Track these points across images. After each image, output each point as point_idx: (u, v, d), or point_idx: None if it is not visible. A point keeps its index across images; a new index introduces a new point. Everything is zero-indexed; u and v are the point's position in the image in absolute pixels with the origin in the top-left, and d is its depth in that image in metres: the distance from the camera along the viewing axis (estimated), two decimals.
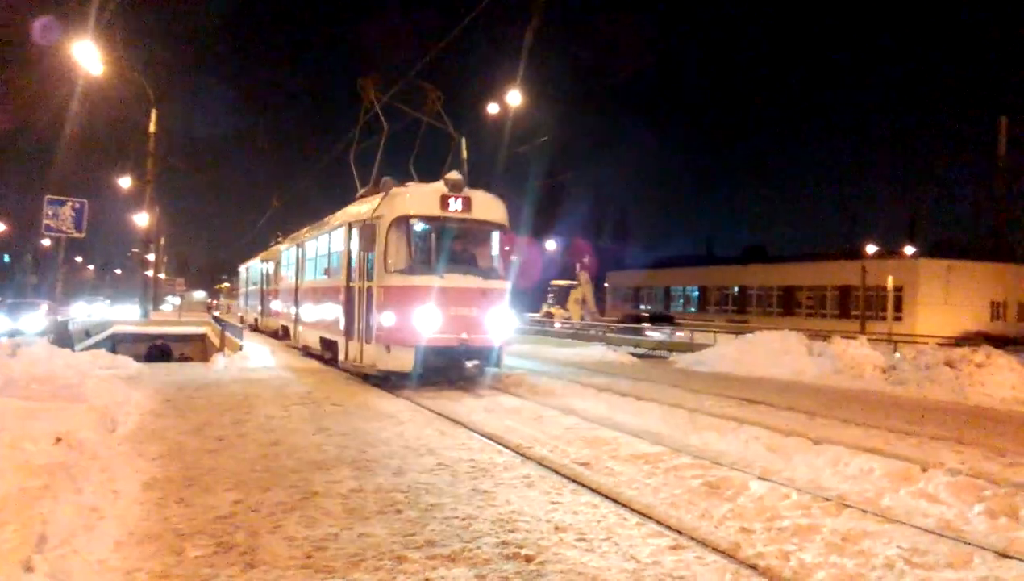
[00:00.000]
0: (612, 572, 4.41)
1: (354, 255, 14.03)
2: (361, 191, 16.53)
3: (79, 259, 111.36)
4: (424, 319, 12.25)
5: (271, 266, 27.12)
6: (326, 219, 18.00)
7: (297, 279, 20.72)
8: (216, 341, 26.49)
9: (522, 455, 7.68)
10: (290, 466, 6.96)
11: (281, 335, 23.87)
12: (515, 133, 32.34)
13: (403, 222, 12.86)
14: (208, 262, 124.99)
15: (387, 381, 13.20)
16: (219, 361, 18.02)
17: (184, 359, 24.84)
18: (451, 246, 13.19)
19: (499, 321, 13.04)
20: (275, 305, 26.15)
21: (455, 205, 12.89)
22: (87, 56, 26.21)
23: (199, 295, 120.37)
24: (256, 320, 31.36)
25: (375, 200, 13.66)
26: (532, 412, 10.64)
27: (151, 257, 47.03)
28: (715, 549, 4.88)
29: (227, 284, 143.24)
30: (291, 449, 7.71)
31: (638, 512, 5.68)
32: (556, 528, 5.21)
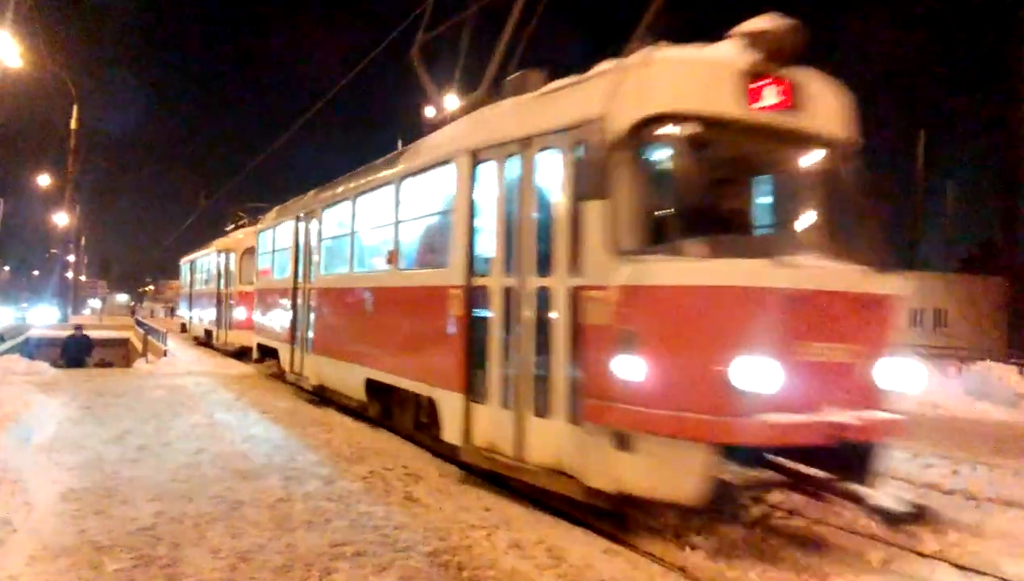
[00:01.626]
0: None
1: (508, 219, 6.51)
2: (473, 96, 8.24)
3: None
4: (742, 370, 4.87)
5: (232, 258, 20.93)
6: (409, 149, 9.19)
7: (301, 275, 12.89)
8: (139, 346, 25.64)
9: None
10: (214, 475, 6.78)
11: (257, 357, 16.18)
12: None
13: (659, 132, 5.44)
14: (131, 264, 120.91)
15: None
16: (142, 367, 17.47)
17: (105, 365, 23.93)
18: (778, 193, 6.74)
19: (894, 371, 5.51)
20: (241, 314, 19.70)
21: (773, 97, 5.54)
22: (4, 47, 25.15)
23: (122, 298, 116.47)
24: (210, 333, 23.34)
25: (577, 88, 6.13)
26: None
27: (71, 258, 45.35)
28: None
29: (151, 287, 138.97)
30: (216, 457, 7.52)
31: None
32: None
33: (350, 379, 10.09)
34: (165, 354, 18.65)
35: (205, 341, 24.11)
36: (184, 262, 31.69)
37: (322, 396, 11.75)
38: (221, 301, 21.87)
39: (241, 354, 19.31)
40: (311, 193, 13.17)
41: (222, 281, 21.88)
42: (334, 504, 5.81)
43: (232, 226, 24.13)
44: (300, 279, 12.86)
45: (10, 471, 6.15)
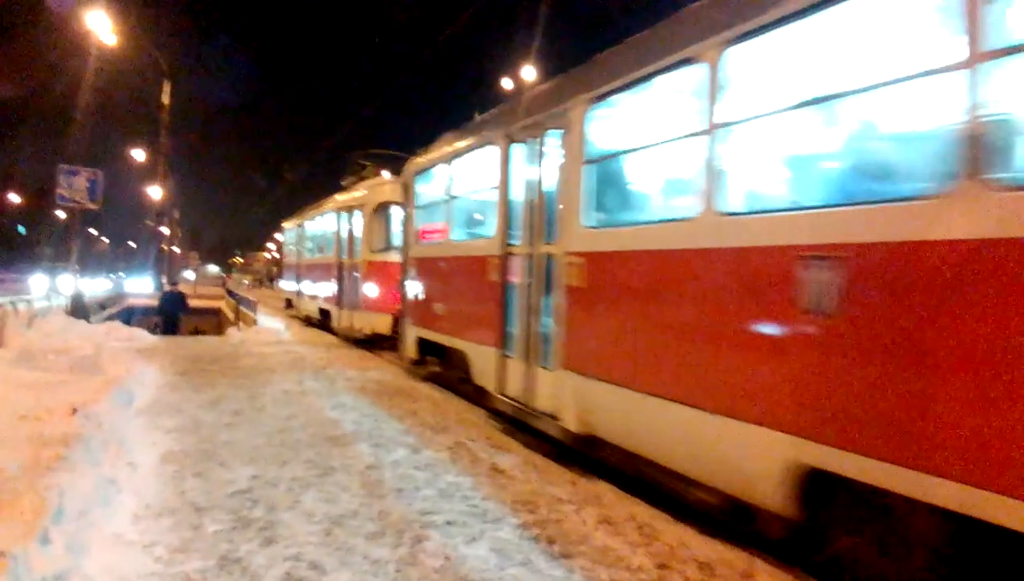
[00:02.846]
0: None
1: None
2: None
3: (94, 232, 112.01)
4: None
5: (358, 219, 16.29)
6: None
7: (524, 235, 7.54)
8: (230, 315, 26.54)
9: None
10: (306, 440, 6.91)
11: (415, 356, 11.13)
12: None
13: None
14: (221, 237, 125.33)
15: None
16: (234, 335, 18.04)
17: (199, 333, 24.85)
18: None
19: None
20: (371, 290, 15.41)
21: None
22: (100, 25, 26.11)
23: (213, 269, 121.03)
24: (326, 313, 18.98)
25: None
26: None
27: (166, 230, 47.14)
28: None
29: (240, 259, 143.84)
30: (307, 423, 7.66)
31: None
32: None
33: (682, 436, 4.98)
34: (255, 323, 19.20)
35: (319, 323, 20.02)
36: (288, 227, 27.11)
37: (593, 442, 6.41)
38: (342, 274, 17.18)
39: (371, 342, 15.53)
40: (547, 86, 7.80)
41: (343, 248, 17.24)
42: (422, 473, 5.83)
43: (352, 179, 18.75)
44: (520, 242, 7.49)
45: (115, 433, 6.38)
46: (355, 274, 16.14)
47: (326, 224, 19.63)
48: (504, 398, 7.67)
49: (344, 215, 17.43)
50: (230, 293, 30.20)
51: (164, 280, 34.08)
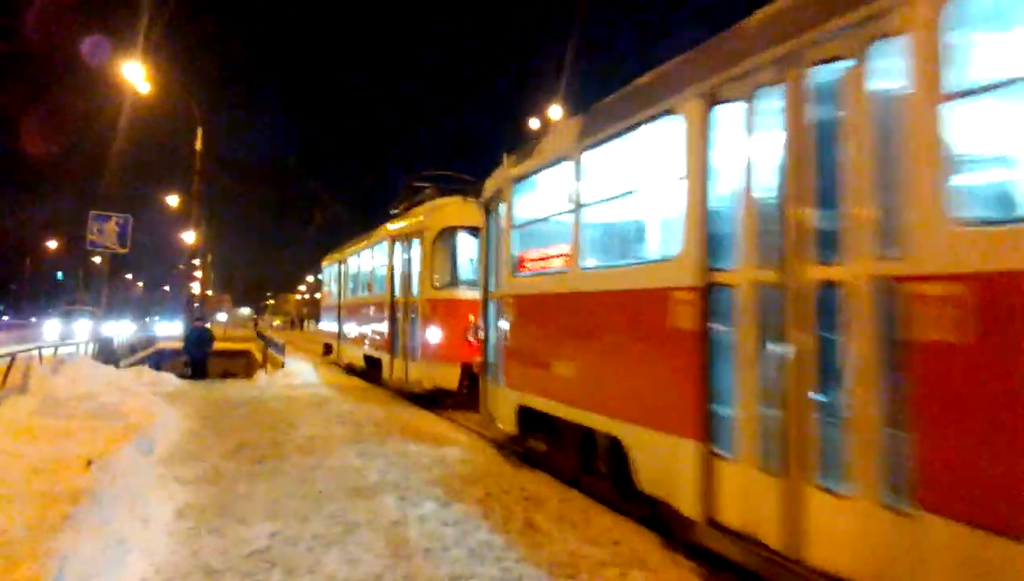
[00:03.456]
0: None
1: None
2: None
3: (129, 276, 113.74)
4: None
5: (417, 249, 13.48)
6: None
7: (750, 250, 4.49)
8: (260, 356, 26.44)
9: None
10: (329, 492, 6.56)
11: (511, 428, 8.26)
12: None
13: None
14: (253, 280, 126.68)
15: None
16: (261, 378, 17.85)
17: (228, 375, 24.76)
18: None
19: None
20: (435, 335, 12.60)
21: None
22: (134, 75, 26.58)
23: (245, 311, 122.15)
24: (376, 362, 15.89)
25: None
26: None
27: (199, 274, 47.66)
28: None
29: (272, 301, 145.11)
30: (331, 472, 7.32)
31: None
32: None
33: None
34: (283, 366, 19.01)
35: (364, 371, 17.14)
36: (328, 263, 23.67)
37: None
38: (395, 315, 14.37)
39: (433, 398, 12.85)
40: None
41: (397, 285, 14.36)
42: (451, 529, 5.45)
43: (405, 205, 15.90)
44: (738, 263, 4.64)
45: (131, 486, 6.09)
46: (412, 315, 13.33)
47: (375, 257, 16.48)
48: (721, 529, 4.56)
49: (398, 245, 14.31)
50: (259, 335, 30.12)
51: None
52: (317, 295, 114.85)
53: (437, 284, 12.63)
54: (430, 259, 12.75)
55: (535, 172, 7.62)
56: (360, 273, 18.39)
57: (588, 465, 6.83)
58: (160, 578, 4.40)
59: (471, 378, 11.38)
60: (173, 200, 44.35)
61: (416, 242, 13.41)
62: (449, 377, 12.11)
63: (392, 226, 15.31)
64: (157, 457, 7.86)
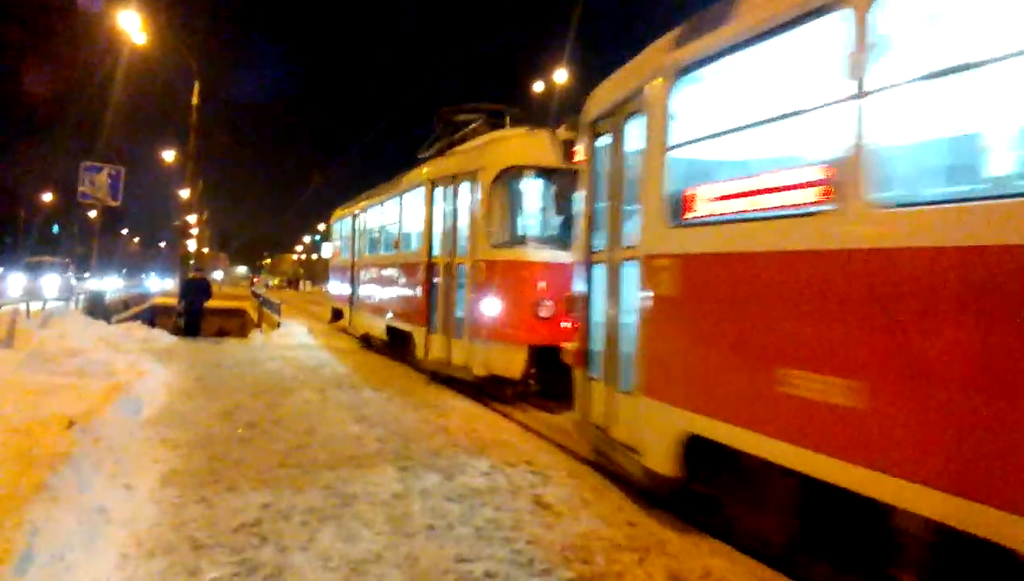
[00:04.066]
0: None
1: None
2: None
3: (125, 231, 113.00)
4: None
5: (466, 196, 10.57)
6: None
7: None
8: (255, 316, 26.08)
9: None
10: (325, 460, 6.22)
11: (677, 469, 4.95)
12: None
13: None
14: (250, 239, 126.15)
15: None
16: (256, 338, 17.50)
17: (223, 334, 24.39)
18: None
19: None
20: (492, 307, 9.69)
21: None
22: (130, 25, 25.84)
23: (241, 270, 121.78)
24: (404, 336, 12.76)
25: None
26: None
27: (194, 230, 47.12)
28: None
29: (268, 260, 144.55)
30: (327, 439, 6.98)
31: None
32: None
33: None
34: (279, 326, 18.66)
35: (386, 346, 14.35)
36: (339, 217, 20.26)
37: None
38: (431, 280, 11.25)
39: (481, 387, 10.05)
40: None
41: (439, 242, 11.20)
42: (456, 505, 5.11)
43: (441, 144, 12.88)
44: None
45: (114, 449, 5.74)
46: (458, 281, 10.40)
47: (405, 208, 13.16)
48: None
49: (440, 192, 11.23)
50: (255, 294, 29.70)
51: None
52: (314, 256, 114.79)
53: (496, 241, 9.63)
54: (487, 209, 9.71)
55: (731, 50, 4.51)
56: (384, 228, 15.02)
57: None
58: (141, 553, 4.06)
59: (540, 365, 9.23)
60: (169, 155, 43.67)
61: (466, 187, 10.35)
62: (511, 363, 9.28)
63: (431, 168, 11.98)
64: (145, 418, 7.51)
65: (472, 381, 9.91)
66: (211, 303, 24.50)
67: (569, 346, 6.84)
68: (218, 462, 6.04)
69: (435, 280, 11.09)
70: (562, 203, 9.64)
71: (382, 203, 14.96)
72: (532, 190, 9.85)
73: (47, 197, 76.55)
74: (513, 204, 9.78)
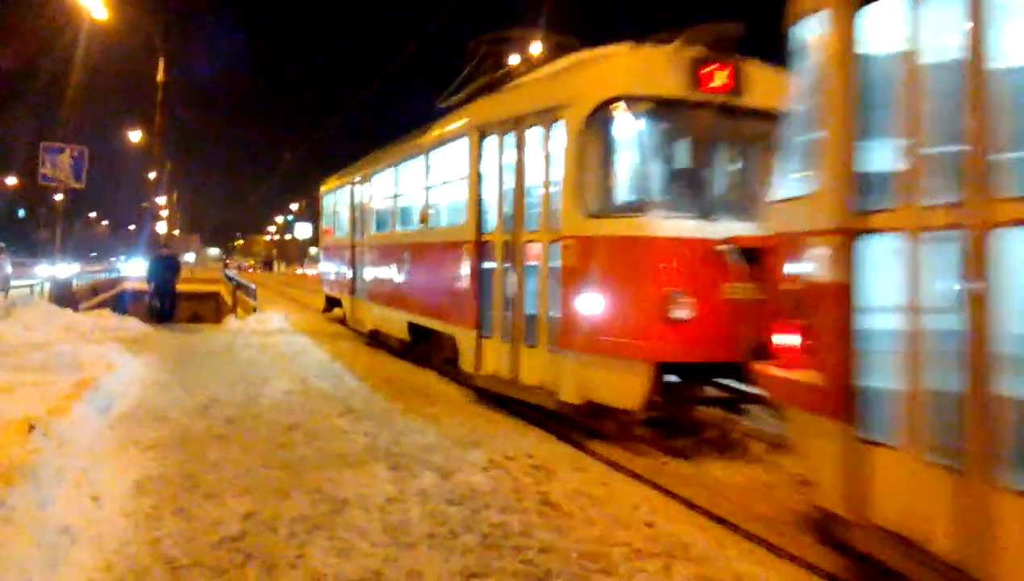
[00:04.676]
0: None
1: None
2: None
3: (92, 214, 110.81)
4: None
5: (545, 146, 7.29)
6: None
7: None
8: (229, 299, 25.45)
9: None
10: (312, 459, 5.80)
11: None
12: None
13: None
14: (222, 220, 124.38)
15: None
16: (232, 323, 16.96)
17: (197, 318, 23.76)
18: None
19: None
20: (604, 305, 6.56)
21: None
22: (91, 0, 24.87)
23: (213, 252, 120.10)
24: (460, 343, 8.84)
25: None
26: None
27: (164, 213, 46.15)
28: None
29: (241, 241, 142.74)
30: (312, 434, 6.56)
31: None
32: None
33: None
34: (255, 310, 18.11)
35: (407, 348, 11.68)
36: (332, 188, 17.10)
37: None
38: (482, 265, 8.37)
39: (544, 411, 7.33)
40: None
41: (489, 214, 8.39)
42: (457, 509, 4.71)
43: (468, 92, 10.25)
44: None
45: (80, 453, 5.28)
46: (527, 265, 7.56)
47: (437, 169, 10.04)
48: None
49: (493, 142, 8.14)
50: (228, 278, 29.01)
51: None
52: (288, 236, 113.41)
53: (596, 209, 6.62)
54: (579, 161, 6.70)
55: None
56: (399, 198, 11.88)
57: None
58: (110, 578, 3.62)
59: (668, 391, 6.44)
60: (136, 136, 42.55)
61: (537, 133, 7.40)
62: (625, 386, 6.28)
63: (477, 111, 8.83)
64: (115, 416, 7.02)
65: (555, 409, 6.94)
66: (184, 287, 23.86)
67: (794, 376, 4.08)
68: (195, 464, 5.59)
69: (488, 265, 8.18)
70: (695, 151, 6.99)
71: (396, 167, 11.84)
72: (650, 132, 6.68)
73: (11, 181, 74.64)
74: (621, 153, 6.82)
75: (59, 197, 19.60)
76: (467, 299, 8.55)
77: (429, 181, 10.27)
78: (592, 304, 6.51)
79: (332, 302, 17.20)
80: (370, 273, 13.27)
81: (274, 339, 13.60)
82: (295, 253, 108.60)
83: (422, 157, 10.45)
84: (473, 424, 7.18)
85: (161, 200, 38.80)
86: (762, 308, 5.14)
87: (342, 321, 16.10)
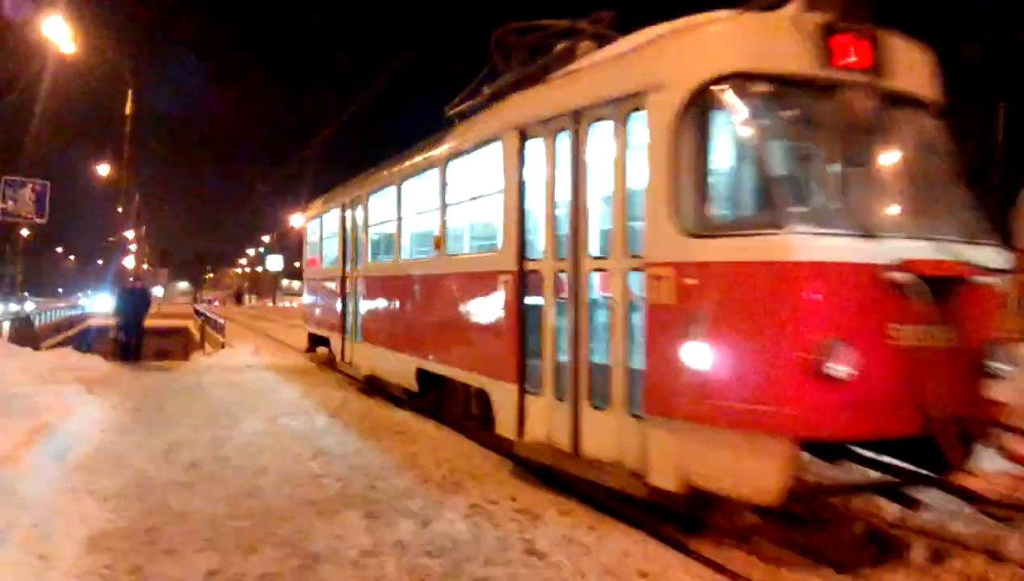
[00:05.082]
0: None
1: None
2: None
3: (59, 250, 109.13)
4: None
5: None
6: None
7: None
8: (198, 335, 24.91)
9: None
10: (281, 508, 5.46)
11: None
12: None
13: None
14: (193, 253, 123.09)
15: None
16: (200, 359, 16.51)
17: (164, 354, 23.18)
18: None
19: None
20: None
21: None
22: (58, 33, 24.51)
23: (182, 286, 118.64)
24: (501, 400, 6.80)
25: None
26: None
27: (133, 247, 45.32)
28: None
29: (211, 275, 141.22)
30: (281, 479, 6.22)
31: None
32: None
33: None
34: (223, 346, 17.68)
35: (413, 398, 9.72)
36: (318, 213, 15.24)
37: None
38: (526, 303, 6.55)
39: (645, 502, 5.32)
40: None
41: (537, 236, 6.59)
42: (438, 563, 4.40)
43: (493, 88, 8.37)
44: None
45: (31, 506, 4.91)
46: (591, 299, 5.97)
47: (457, 184, 8.29)
48: None
49: (539, 146, 6.47)
50: (198, 312, 28.44)
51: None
52: (259, 269, 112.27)
53: (699, 223, 4.89)
54: (671, 160, 5.01)
55: None
56: (404, 220, 9.97)
57: None
58: None
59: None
60: (104, 169, 41.95)
61: (608, 129, 5.70)
62: (753, 471, 4.52)
63: (518, 106, 7.01)
64: (72, 463, 6.62)
65: (645, 498, 5.09)
66: (150, 322, 23.24)
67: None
68: (154, 516, 5.24)
69: (533, 300, 6.45)
70: (833, 147, 4.95)
71: (399, 185, 9.99)
72: (775, 120, 5.04)
73: None
74: (736, 149, 5.15)
75: (25, 232, 19.06)
76: (504, 344, 6.72)
77: (447, 198, 8.38)
78: (700, 355, 4.68)
79: (317, 341, 15.09)
80: (367, 309, 11.44)
81: (242, 376, 13.19)
82: (267, 286, 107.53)
83: (435, 171, 8.60)
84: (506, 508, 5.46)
85: (130, 234, 38.10)
86: (959, 360, 4.15)
87: (330, 365, 13.96)
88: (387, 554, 4.51)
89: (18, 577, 3.88)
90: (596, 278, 5.88)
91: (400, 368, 9.59)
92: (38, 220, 14.29)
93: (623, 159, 5.52)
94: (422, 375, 8.97)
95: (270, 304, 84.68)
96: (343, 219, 12.84)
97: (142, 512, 5.32)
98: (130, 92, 31.24)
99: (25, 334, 15.93)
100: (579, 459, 5.69)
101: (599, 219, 6.39)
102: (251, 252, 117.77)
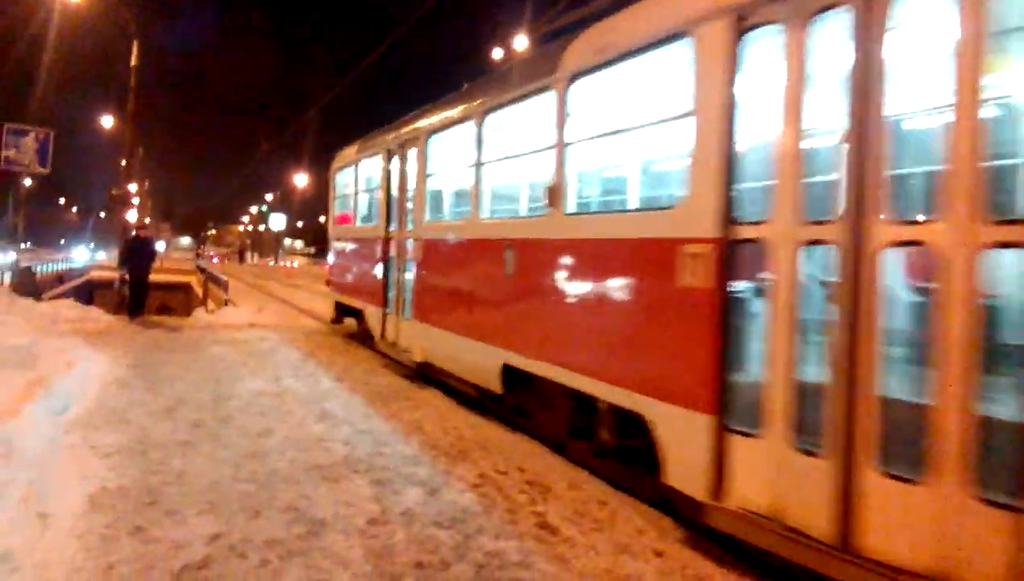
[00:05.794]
0: None
1: None
2: None
3: (62, 201, 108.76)
4: None
5: None
6: None
7: None
8: (200, 291, 24.77)
9: None
10: (285, 471, 5.35)
11: None
12: None
13: None
14: (195, 209, 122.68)
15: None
16: (202, 317, 16.35)
17: (166, 310, 23.08)
18: None
19: None
20: None
21: None
22: None
23: (185, 241, 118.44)
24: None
25: None
26: None
27: (136, 200, 44.95)
28: None
29: (213, 231, 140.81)
30: (285, 442, 6.11)
31: None
32: None
33: None
34: (226, 303, 17.53)
35: (488, 400, 7.68)
36: (349, 162, 12.82)
37: None
38: (736, 299, 4.16)
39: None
40: None
41: (758, 185, 4.17)
42: (446, 533, 4.29)
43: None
44: None
45: (28, 464, 4.78)
46: (884, 294, 3.48)
47: (592, 108, 6.04)
48: None
49: (777, 33, 3.89)
50: (200, 269, 28.25)
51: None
52: (261, 227, 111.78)
53: None
54: None
55: None
56: (486, 166, 7.63)
57: None
58: None
59: None
60: (108, 121, 41.53)
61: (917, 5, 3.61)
62: None
63: None
64: (72, 418, 6.51)
65: None
66: (153, 277, 23.02)
67: None
68: (156, 475, 5.13)
69: (744, 285, 4.24)
70: None
71: (480, 120, 7.57)
72: None
73: None
74: None
75: (28, 182, 18.84)
76: (687, 350, 4.37)
77: (567, 135, 5.90)
78: None
79: (345, 311, 13.02)
80: (423, 280, 9.11)
81: (245, 334, 13.03)
82: (270, 244, 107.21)
83: (548, 96, 6.12)
84: None
85: (133, 187, 37.68)
86: None
87: (367, 342, 11.82)
88: (395, 522, 4.39)
89: (18, 536, 3.76)
90: (889, 256, 3.48)
91: (475, 361, 7.46)
92: (41, 170, 14.06)
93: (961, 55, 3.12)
94: (508, 373, 6.84)
95: (271, 263, 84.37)
96: (387, 168, 10.62)
97: (142, 471, 5.21)
98: (135, 44, 30.76)
99: (27, 284, 15.76)
100: (854, 560, 3.40)
101: (896, 161, 3.70)
102: (254, 210, 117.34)
